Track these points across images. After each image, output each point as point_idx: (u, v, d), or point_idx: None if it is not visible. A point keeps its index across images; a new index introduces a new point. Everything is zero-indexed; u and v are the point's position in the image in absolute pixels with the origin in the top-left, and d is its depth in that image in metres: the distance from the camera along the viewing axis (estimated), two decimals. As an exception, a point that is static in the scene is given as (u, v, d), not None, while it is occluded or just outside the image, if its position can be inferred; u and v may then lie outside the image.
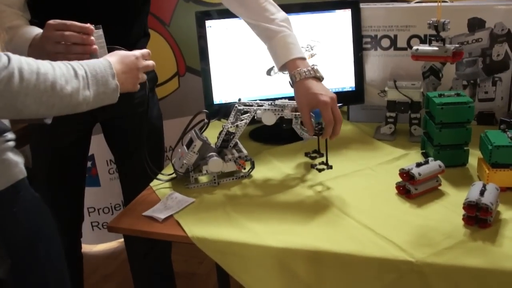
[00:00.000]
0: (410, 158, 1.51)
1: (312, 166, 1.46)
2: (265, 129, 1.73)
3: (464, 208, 1.15)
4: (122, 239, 2.58)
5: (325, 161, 1.45)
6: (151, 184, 1.48)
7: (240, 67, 1.68)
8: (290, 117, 1.42)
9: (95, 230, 2.53)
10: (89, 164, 2.40)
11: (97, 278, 2.45)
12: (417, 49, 1.43)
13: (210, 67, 1.66)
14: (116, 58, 1.18)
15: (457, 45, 1.38)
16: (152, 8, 2.25)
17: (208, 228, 1.22)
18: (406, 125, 1.66)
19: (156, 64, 2.28)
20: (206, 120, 1.50)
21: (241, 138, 1.52)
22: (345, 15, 1.69)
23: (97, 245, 2.66)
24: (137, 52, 1.24)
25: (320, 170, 1.43)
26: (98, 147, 2.38)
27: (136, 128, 1.65)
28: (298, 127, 1.43)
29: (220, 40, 1.65)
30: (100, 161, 2.41)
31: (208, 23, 1.63)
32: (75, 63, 1.07)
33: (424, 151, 1.53)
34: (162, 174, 1.50)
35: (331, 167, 1.43)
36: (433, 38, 1.42)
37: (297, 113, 1.41)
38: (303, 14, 1.68)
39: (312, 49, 1.70)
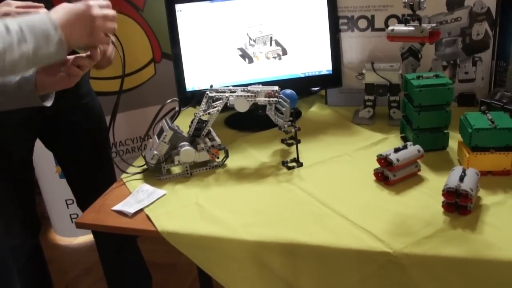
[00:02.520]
0: (389, 143, 1.47)
1: (283, 163, 1.40)
2: (240, 116, 1.67)
3: (443, 194, 1.11)
4: (102, 231, 2.54)
5: (296, 158, 1.40)
6: (122, 176, 1.43)
7: (213, 53, 1.62)
8: (263, 103, 1.37)
9: (74, 222, 2.47)
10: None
11: (78, 271, 2.40)
12: (393, 29, 1.38)
13: (182, 53, 1.59)
14: (59, 9, 1.04)
15: (434, 25, 1.33)
16: (124, -8, 2.20)
17: (180, 222, 1.18)
18: (385, 108, 1.62)
19: (131, 51, 2.26)
20: (177, 109, 1.44)
21: (216, 125, 1.47)
22: (320, -5, 1.63)
23: (77, 238, 2.61)
24: (91, 1, 1.08)
25: (289, 168, 1.38)
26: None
27: (84, 121, 1.58)
28: (272, 113, 1.38)
29: (191, 25, 1.58)
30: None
31: (178, 7, 1.56)
32: (7, 19, 0.96)
33: (403, 135, 1.49)
34: (133, 166, 1.45)
35: (301, 165, 1.38)
36: (409, 18, 1.37)
37: (272, 99, 1.36)
38: (277, -5, 1.62)
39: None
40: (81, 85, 1.49)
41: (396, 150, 1.26)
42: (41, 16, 1.01)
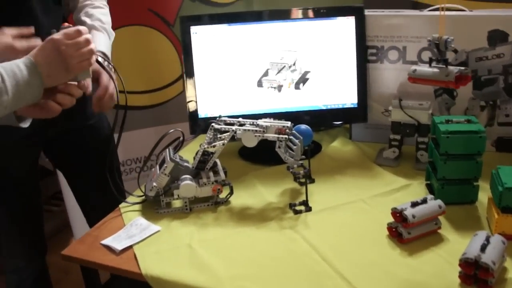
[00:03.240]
0: (412, 191, 1.32)
1: (290, 205, 1.28)
2: (256, 147, 1.57)
3: (460, 265, 0.97)
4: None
5: (305, 200, 1.28)
6: (120, 205, 1.35)
7: (228, 79, 1.52)
8: (272, 140, 1.26)
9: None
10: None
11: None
12: (415, 70, 1.24)
13: (195, 77, 1.51)
14: (35, 51, 1.04)
15: (462, 68, 1.18)
16: (155, 7, 2.14)
17: (166, 266, 1.09)
18: (413, 148, 1.47)
19: (160, 65, 2.20)
20: (181, 138, 1.35)
21: (229, 155, 1.38)
22: (348, 22, 1.50)
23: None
24: (54, 36, 1.05)
25: (296, 212, 1.26)
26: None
27: (91, 141, 1.55)
28: (282, 151, 1.27)
29: (206, 48, 1.50)
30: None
31: (194, 29, 1.47)
32: None
33: (428, 182, 1.34)
34: (132, 195, 1.37)
35: (310, 209, 1.26)
36: (434, 58, 1.22)
37: (281, 136, 1.25)
38: (301, 21, 1.51)
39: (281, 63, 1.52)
40: (88, 106, 1.43)
41: (414, 204, 1.12)
42: (22, 61, 1.00)
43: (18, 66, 1.00)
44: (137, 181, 1.37)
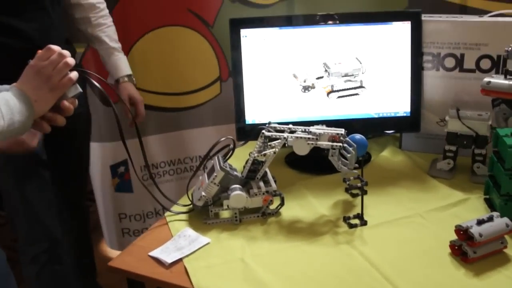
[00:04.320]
0: (471, 206, 1.27)
1: (345, 219, 1.23)
2: (302, 155, 1.53)
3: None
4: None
5: (360, 214, 1.23)
6: (166, 215, 1.32)
7: (277, 84, 1.47)
8: (326, 148, 1.21)
9: (125, 236, 2.41)
10: (122, 169, 2.28)
11: (126, 287, 2.32)
12: (489, 82, 1.18)
13: (244, 82, 1.46)
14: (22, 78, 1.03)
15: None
16: (195, 7, 2.10)
17: (219, 281, 1.05)
18: (467, 159, 1.41)
19: (197, 67, 2.17)
20: (231, 146, 1.31)
21: (275, 163, 1.32)
22: (403, 28, 1.44)
23: (127, 253, 2.54)
24: (30, 62, 1.06)
25: (351, 226, 1.21)
26: (132, 151, 2.25)
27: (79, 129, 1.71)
28: (335, 159, 1.22)
29: (256, 52, 1.45)
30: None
31: (244, 32, 1.43)
32: None
33: (487, 196, 1.28)
34: (177, 204, 1.33)
35: (365, 223, 1.21)
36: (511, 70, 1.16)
37: (335, 144, 1.20)
38: (356, 25, 1.45)
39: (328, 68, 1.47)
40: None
41: (480, 222, 1.06)
42: (10, 91, 1.00)
43: (8, 95, 0.98)
44: (186, 190, 1.33)
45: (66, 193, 1.94)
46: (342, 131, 1.23)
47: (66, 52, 1.06)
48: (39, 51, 1.08)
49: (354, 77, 1.46)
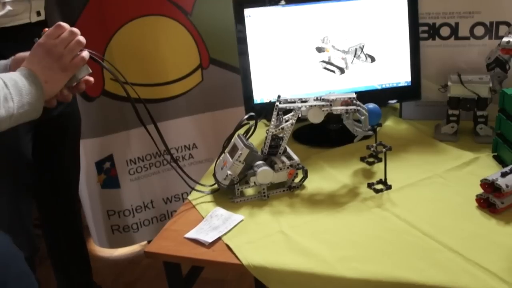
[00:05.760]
0: (483, 163, 1.33)
1: (369, 185, 1.27)
2: (310, 130, 1.56)
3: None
4: (145, 243, 2.43)
5: (383, 179, 1.27)
6: (190, 198, 1.31)
7: (283, 62, 1.49)
8: (341, 113, 1.24)
9: (115, 233, 2.36)
10: (108, 164, 2.24)
11: (120, 286, 2.29)
12: (509, 41, 1.24)
13: (250, 61, 1.47)
14: (30, 58, 1.00)
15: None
16: (171, -6, 2.09)
17: (266, 254, 1.06)
18: (468, 123, 1.48)
19: (178, 56, 2.15)
20: (250, 123, 1.32)
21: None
22: (400, 0, 1.49)
23: (117, 250, 2.50)
24: (40, 40, 1.02)
25: (377, 191, 1.25)
26: (117, 146, 2.22)
27: (70, 128, 1.76)
28: (350, 122, 1.26)
29: (260, 31, 1.46)
30: (119, 161, 2.23)
31: (247, 11, 1.44)
32: None
33: (496, 154, 1.35)
34: (201, 184, 1.33)
35: (390, 187, 1.25)
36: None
37: (350, 107, 1.23)
38: (353, 0, 1.49)
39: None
40: None
41: (504, 174, 1.13)
42: (19, 72, 0.97)
43: (16, 75, 0.95)
44: (213, 173, 1.33)
45: (57, 194, 1.90)
46: (353, 94, 1.26)
47: (76, 30, 1.03)
48: (46, 29, 1.04)
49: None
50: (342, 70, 1.51)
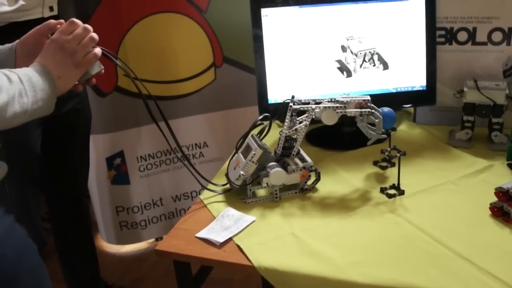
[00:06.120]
0: (497, 171, 1.32)
1: (382, 190, 1.26)
2: (322, 132, 1.55)
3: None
4: (152, 240, 2.43)
5: (396, 184, 1.26)
6: (201, 197, 1.31)
7: (298, 63, 1.49)
8: (354, 115, 1.23)
9: (123, 230, 2.37)
10: (118, 160, 2.24)
11: (126, 282, 2.30)
12: None
13: (266, 61, 1.47)
14: (44, 54, 1.00)
15: None
16: (187, -7, 2.08)
17: (277, 256, 1.05)
18: (483, 129, 1.47)
19: (191, 54, 2.15)
20: (264, 124, 1.32)
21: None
22: (418, 4, 1.48)
23: (124, 246, 2.50)
24: (53, 36, 1.02)
25: (390, 196, 1.24)
26: (128, 142, 2.22)
27: (81, 125, 1.80)
28: (364, 125, 1.25)
29: (277, 32, 1.46)
30: (130, 157, 2.24)
31: (264, 11, 1.44)
32: (5, 70, 0.92)
33: (510, 162, 1.34)
34: (212, 183, 1.33)
35: (403, 192, 1.24)
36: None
37: (364, 110, 1.23)
38: (370, 2, 1.48)
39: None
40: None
41: (518, 183, 1.12)
42: (32, 67, 0.96)
43: (30, 71, 0.95)
44: (226, 173, 1.32)
45: (66, 189, 1.91)
46: (367, 97, 1.25)
47: (89, 27, 1.03)
48: (59, 25, 1.04)
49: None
50: (349, 73, 1.50)
